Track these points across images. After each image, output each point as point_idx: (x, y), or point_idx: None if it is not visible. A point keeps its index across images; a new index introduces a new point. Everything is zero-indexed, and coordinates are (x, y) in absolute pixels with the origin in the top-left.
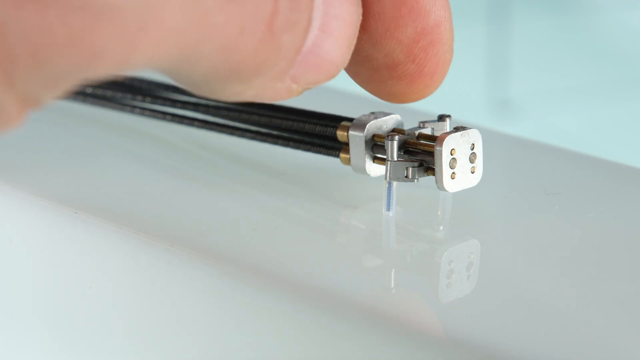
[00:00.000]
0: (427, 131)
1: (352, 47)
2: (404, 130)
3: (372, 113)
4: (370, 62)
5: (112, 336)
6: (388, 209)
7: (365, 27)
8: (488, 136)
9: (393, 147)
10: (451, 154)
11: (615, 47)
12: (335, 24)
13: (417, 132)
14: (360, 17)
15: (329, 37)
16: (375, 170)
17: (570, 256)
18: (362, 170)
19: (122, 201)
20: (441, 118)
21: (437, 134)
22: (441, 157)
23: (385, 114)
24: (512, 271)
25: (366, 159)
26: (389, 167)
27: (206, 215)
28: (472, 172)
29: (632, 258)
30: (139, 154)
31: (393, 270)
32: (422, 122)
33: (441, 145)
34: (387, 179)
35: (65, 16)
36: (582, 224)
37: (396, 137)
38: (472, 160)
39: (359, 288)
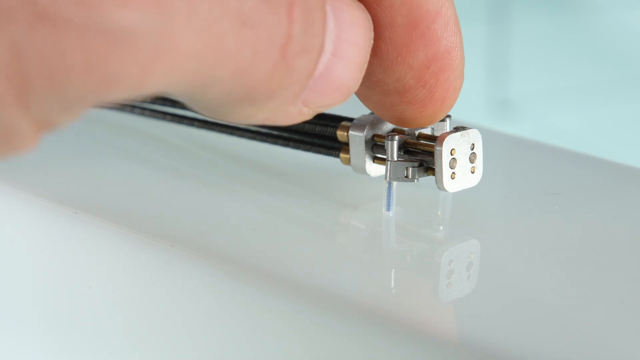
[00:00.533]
0: (427, 131)
1: (364, 71)
2: (404, 130)
3: (372, 113)
4: (381, 87)
5: (112, 336)
6: (388, 209)
7: (376, 52)
8: (488, 136)
9: (393, 147)
10: (451, 154)
11: (615, 47)
12: (347, 48)
13: (417, 132)
14: (372, 41)
15: (341, 61)
16: (375, 170)
17: (570, 256)
18: (362, 170)
19: (122, 201)
20: (444, 120)
21: (437, 133)
22: (441, 157)
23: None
24: (512, 271)
25: (366, 159)
26: (389, 167)
27: (206, 215)
28: (472, 172)
29: (632, 258)
30: (139, 154)
31: (393, 270)
32: None
33: (441, 145)
34: (387, 179)
35: (81, 40)
36: (582, 224)
37: (396, 137)
38: (472, 160)
39: (359, 288)
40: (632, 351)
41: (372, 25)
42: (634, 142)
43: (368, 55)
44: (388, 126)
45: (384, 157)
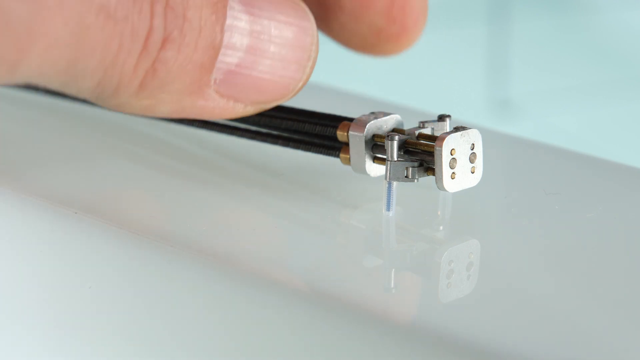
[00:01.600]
0: (427, 131)
1: (307, 69)
2: (404, 130)
3: (372, 113)
4: (356, 34)
5: (112, 336)
6: (388, 209)
7: (343, 8)
8: (488, 136)
9: (393, 147)
10: (451, 154)
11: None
12: (271, 47)
13: (417, 132)
14: (313, 40)
15: (263, 59)
16: (375, 170)
17: (570, 256)
18: (362, 170)
19: (122, 201)
20: (441, 118)
21: (437, 134)
22: (441, 157)
23: (385, 114)
24: (512, 271)
25: (366, 159)
26: (389, 167)
27: (206, 215)
28: (472, 172)
29: (632, 258)
30: (139, 154)
31: (393, 270)
32: (422, 122)
33: (441, 145)
34: (387, 179)
35: None
36: (582, 224)
37: (396, 137)
38: (472, 160)
39: (358, 288)
40: (632, 351)
41: (310, 25)
42: (634, 142)
43: (308, 55)
44: (388, 126)
45: (384, 157)
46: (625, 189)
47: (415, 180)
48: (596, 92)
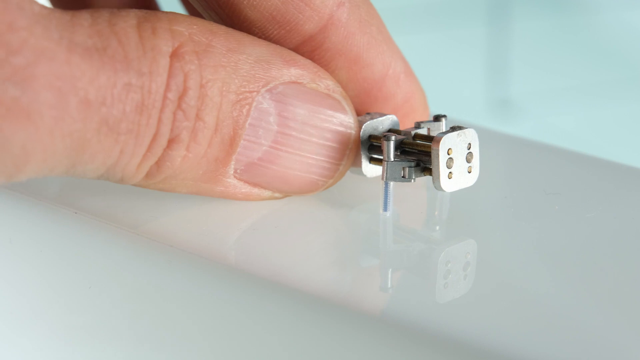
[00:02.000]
0: (423, 131)
1: (339, 168)
2: (400, 130)
3: (368, 114)
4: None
5: (112, 336)
6: (385, 209)
7: None
8: (488, 136)
9: (390, 147)
10: (448, 154)
11: (615, 47)
12: (297, 144)
13: (413, 132)
14: (349, 137)
15: (289, 155)
16: (372, 171)
17: (570, 256)
18: (359, 171)
19: (122, 201)
20: (437, 118)
21: (433, 133)
22: (438, 157)
23: (381, 115)
24: (512, 271)
25: (362, 160)
26: (385, 168)
27: (206, 215)
28: (469, 172)
29: (632, 258)
30: None
31: (390, 270)
32: (418, 122)
33: (438, 145)
34: (384, 179)
35: None
36: (582, 224)
37: (392, 138)
38: (468, 160)
39: (356, 288)
40: (632, 351)
41: (347, 123)
42: (634, 142)
43: (342, 154)
44: (384, 126)
45: (381, 157)
46: (625, 189)
47: (412, 180)
48: (596, 92)
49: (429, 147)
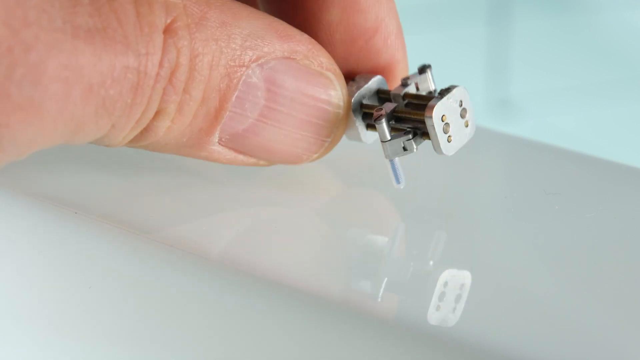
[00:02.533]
0: (412, 89)
1: (324, 144)
2: (388, 91)
3: (354, 80)
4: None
5: (112, 336)
6: (398, 182)
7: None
8: (488, 136)
9: (383, 129)
10: (442, 120)
11: (615, 47)
12: (283, 119)
13: (403, 92)
14: (337, 114)
15: (274, 129)
16: (371, 137)
17: (570, 256)
18: (358, 139)
19: (122, 201)
20: (422, 70)
21: (421, 87)
22: (434, 127)
23: (367, 78)
24: (512, 271)
25: (359, 129)
26: (386, 148)
27: (206, 215)
28: (466, 126)
29: (632, 258)
30: (139, 154)
31: (388, 270)
32: (404, 78)
33: (431, 114)
34: (387, 158)
35: None
36: (582, 224)
37: (383, 120)
38: (463, 116)
39: (356, 288)
40: (632, 351)
41: (336, 100)
42: (634, 142)
43: (328, 131)
44: (372, 89)
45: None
46: (625, 189)
47: (415, 150)
48: (596, 92)
49: (421, 115)
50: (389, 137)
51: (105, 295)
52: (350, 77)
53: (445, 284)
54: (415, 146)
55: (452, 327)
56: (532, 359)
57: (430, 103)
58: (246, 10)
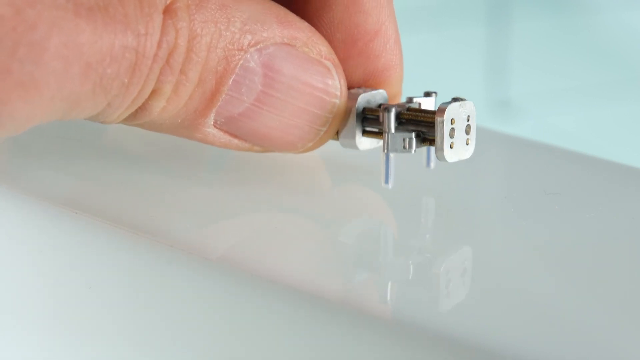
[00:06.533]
0: (415, 106)
1: (319, 133)
2: (393, 105)
3: (360, 88)
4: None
5: (112, 336)
6: (387, 181)
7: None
8: (488, 136)
9: (390, 118)
10: (451, 124)
11: (615, 47)
12: (279, 105)
13: (407, 107)
14: (333, 103)
15: (270, 114)
16: (365, 143)
17: (570, 256)
18: (352, 145)
19: (122, 201)
20: (427, 94)
21: (425, 106)
22: (442, 126)
23: (373, 89)
24: (512, 271)
25: (356, 133)
26: (386, 139)
27: (206, 215)
28: (467, 144)
29: (632, 258)
30: (139, 154)
31: (389, 270)
32: (409, 97)
33: (443, 115)
34: (385, 151)
35: None
36: (582, 224)
37: (393, 109)
38: (467, 132)
39: (356, 288)
40: (632, 351)
41: (333, 90)
42: (634, 142)
43: (324, 120)
44: (376, 100)
45: (374, 130)
46: (625, 189)
47: (413, 151)
48: (596, 92)
49: (431, 117)
50: (393, 129)
51: (105, 295)
52: (349, 81)
53: (446, 283)
54: (414, 147)
55: (452, 327)
56: (531, 359)
57: (442, 105)
58: None
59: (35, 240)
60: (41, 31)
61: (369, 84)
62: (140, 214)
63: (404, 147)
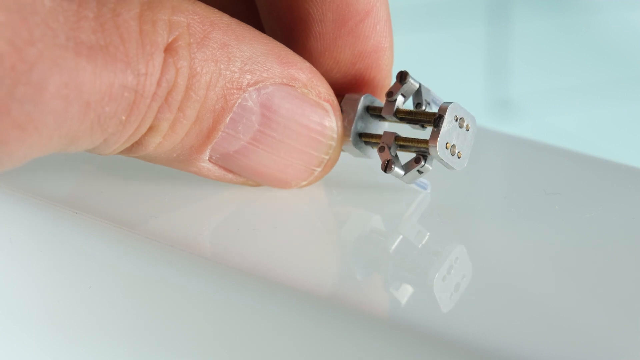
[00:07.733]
0: (400, 101)
1: (314, 173)
2: (379, 107)
3: (341, 110)
4: None
5: (112, 336)
6: (425, 188)
7: (306, 46)
8: (488, 136)
9: (396, 173)
10: (447, 148)
11: (615, 46)
12: (275, 145)
13: (394, 109)
14: (329, 144)
15: (265, 153)
16: (375, 152)
17: (570, 256)
18: (364, 157)
19: (122, 201)
20: (402, 78)
21: (407, 95)
22: (441, 156)
23: (354, 100)
24: (512, 271)
25: (363, 152)
26: (405, 180)
27: (206, 215)
28: (468, 130)
29: (632, 258)
30: None
31: (388, 270)
32: (388, 92)
33: (435, 148)
34: (408, 183)
35: None
36: (582, 224)
37: (393, 167)
38: (461, 125)
39: (356, 288)
40: (632, 351)
41: (329, 131)
42: (634, 142)
43: (319, 161)
44: (361, 110)
45: (376, 142)
46: (625, 189)
47: (430, 168)
48: (596, 92)
49: (426, 144)
50: (402, 175)
51: (105, 295)
52: (337, 62)
53: (446, 283)
54: (430, 166)
55: (451, 326)
56: (531, 359)
57: (431, 136)
58: (250, 33)
59: (35, 240)
60: (41, 70)
61: (357, 66)
62: (140, 214)
63: (419, 172)
